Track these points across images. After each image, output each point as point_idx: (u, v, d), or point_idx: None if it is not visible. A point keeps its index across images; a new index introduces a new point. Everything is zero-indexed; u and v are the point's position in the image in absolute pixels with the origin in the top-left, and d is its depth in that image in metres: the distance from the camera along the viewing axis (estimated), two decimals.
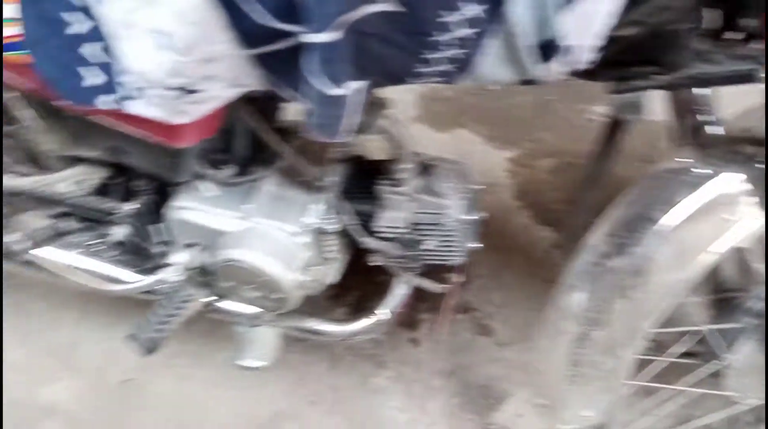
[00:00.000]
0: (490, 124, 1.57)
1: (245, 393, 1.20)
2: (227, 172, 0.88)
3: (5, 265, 1.14)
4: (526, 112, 1.59)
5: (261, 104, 0.81)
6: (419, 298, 1.09)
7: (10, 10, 0.69)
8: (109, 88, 0.69)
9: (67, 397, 1.22)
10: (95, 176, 0.98)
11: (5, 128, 1.01)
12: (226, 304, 0.96)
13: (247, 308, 0.95)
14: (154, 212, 0.94)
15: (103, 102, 0.70)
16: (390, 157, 0.88)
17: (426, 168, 0.87)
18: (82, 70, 0.68)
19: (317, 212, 0.85)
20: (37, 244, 0.87)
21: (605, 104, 0.73)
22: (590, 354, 0.76)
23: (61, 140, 0.90)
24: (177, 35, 0.59)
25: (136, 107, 0.69)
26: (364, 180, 0.87)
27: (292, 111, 0.89)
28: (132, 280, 0.96)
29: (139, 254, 0.99)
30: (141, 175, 0.93)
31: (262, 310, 0.93)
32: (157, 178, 0.92)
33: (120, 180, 0.99)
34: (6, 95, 0.88)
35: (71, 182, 0.97)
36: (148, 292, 0.97)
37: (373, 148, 0.90)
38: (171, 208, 0.88)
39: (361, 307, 1.27)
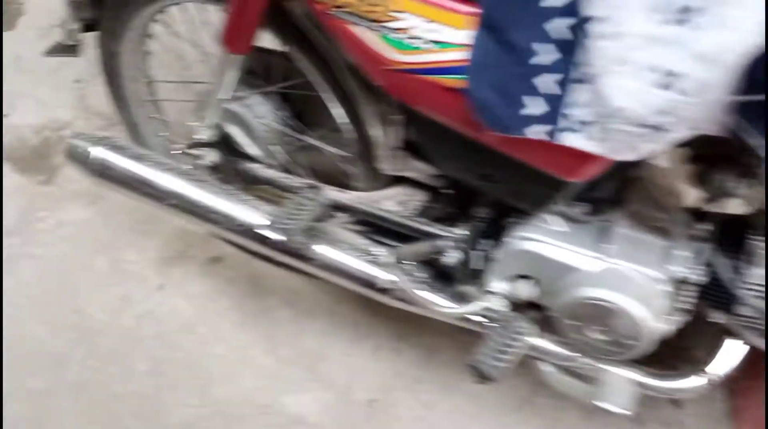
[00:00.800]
0: None
1: None
2: (580, 208, 0.87)
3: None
4: None
5: None
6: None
7: (457, 36, 0.72)
8: (547, 118, 0.69)
9: (314, 409, 1.23)
10: (416, 198, 1.01)
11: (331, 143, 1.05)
12: (542, 342, 0.94)
13: (563, 348, 0.93)
14: (479, 239, 0.95)
15: (534, 132, 0.70)
16: (759, 210, 0.84)
17: None
18: (527, 99, 0.69)
19: (684, 260, 0.82)
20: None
21: None
22: None
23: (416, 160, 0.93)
24: (689, 76, 0.58)
25: (572, 140, 0.69)
26: (728, 233, 0.84)
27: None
28: (448, 304, 0.96)
29: (444, 278, 1.00)
30: (481, 203, 0.94)
31: (587, 352, 0.91)
32: (497, 207, 0.92)
33: (438, 204, 1.00)
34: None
35: (394, 202, 1.00)
36: (461, 318, 0.96)
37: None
38: (513, 237, 0.88)
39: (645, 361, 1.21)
